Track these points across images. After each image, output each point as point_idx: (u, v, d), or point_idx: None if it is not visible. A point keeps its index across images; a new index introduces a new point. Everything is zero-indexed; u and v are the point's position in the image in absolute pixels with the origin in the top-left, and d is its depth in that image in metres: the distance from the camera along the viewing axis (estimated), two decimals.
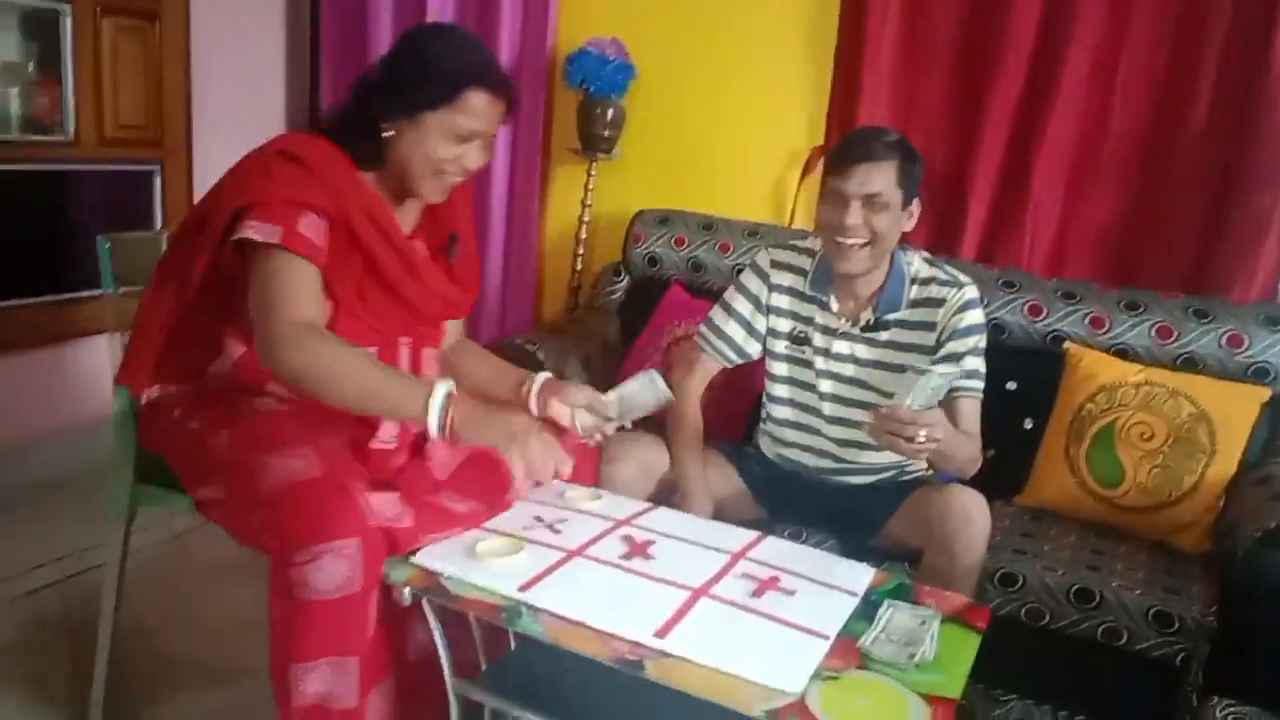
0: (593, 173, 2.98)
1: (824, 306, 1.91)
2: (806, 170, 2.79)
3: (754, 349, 2.00)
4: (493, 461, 1.50)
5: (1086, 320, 2.29)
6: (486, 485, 1.53)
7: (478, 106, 1.50)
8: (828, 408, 1.93)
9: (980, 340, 1.83)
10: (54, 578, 2.28)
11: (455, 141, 1.51)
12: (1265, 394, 2.10)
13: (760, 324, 1.98)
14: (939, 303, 1.83)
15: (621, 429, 1.72)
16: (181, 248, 1.54)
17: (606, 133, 2.90)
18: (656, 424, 1.96)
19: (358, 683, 1.35)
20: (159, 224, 2.96)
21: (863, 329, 1.89)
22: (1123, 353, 2.24)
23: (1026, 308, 2.33)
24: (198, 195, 3.01)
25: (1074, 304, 2.31)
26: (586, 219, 3.01)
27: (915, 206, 1.82)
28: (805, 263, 1.95)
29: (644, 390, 1.68)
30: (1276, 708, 1.40)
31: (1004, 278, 2.39)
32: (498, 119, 1.54)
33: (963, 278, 1.86)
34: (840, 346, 1.91)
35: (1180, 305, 2.24)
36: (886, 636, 1.31)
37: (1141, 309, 2.26)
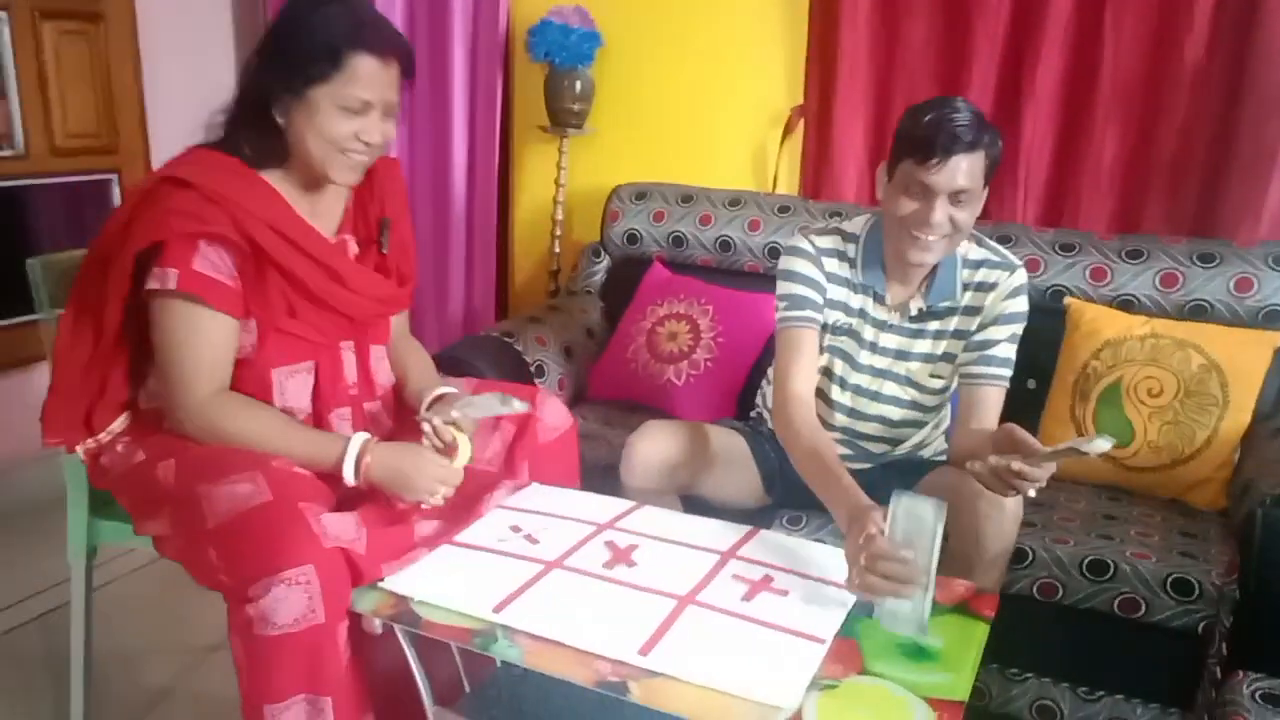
0: (564, 150, 2.87)
1: (878, 298, 1.76)
2: (786, 132, 2.68)
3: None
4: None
5: (1087, 272, 2.18)
6: (454, 503, 1.46)
7: (365, 72, 1.38)
8: (852, 399, 1.82)
9: (1019, 328, 1.70)
10: (36, 612, 2.22)
11: (349, 115, 1.40)
12: (1277, 339, 2.00)
13: (820, 301, 1.76)
14: (991, 287, 1.70)
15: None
16: (89, 296, 1.45)
17: (575, 106, 2.78)
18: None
19: None
20: None
21: (911, 319, 1.76)
22: (1127, 304, 2.14)
23: (1024, 262, 2.20)
24: None
25: (1073, 255, 2.21)
26: (561, 199, 2.90)
27: (986, 190, 1.64)
28: (850, 249, 1.76)
29: (491, 402, 1.54)
30: None
31: (998, 232, 2.28)
32: (393, 84, 1.43)
33: (1014, 259, 1.72)
34: (888, 340, 1.77)
35: (1185, 250, 2.13)
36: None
37: (1144, 256, 2.15)
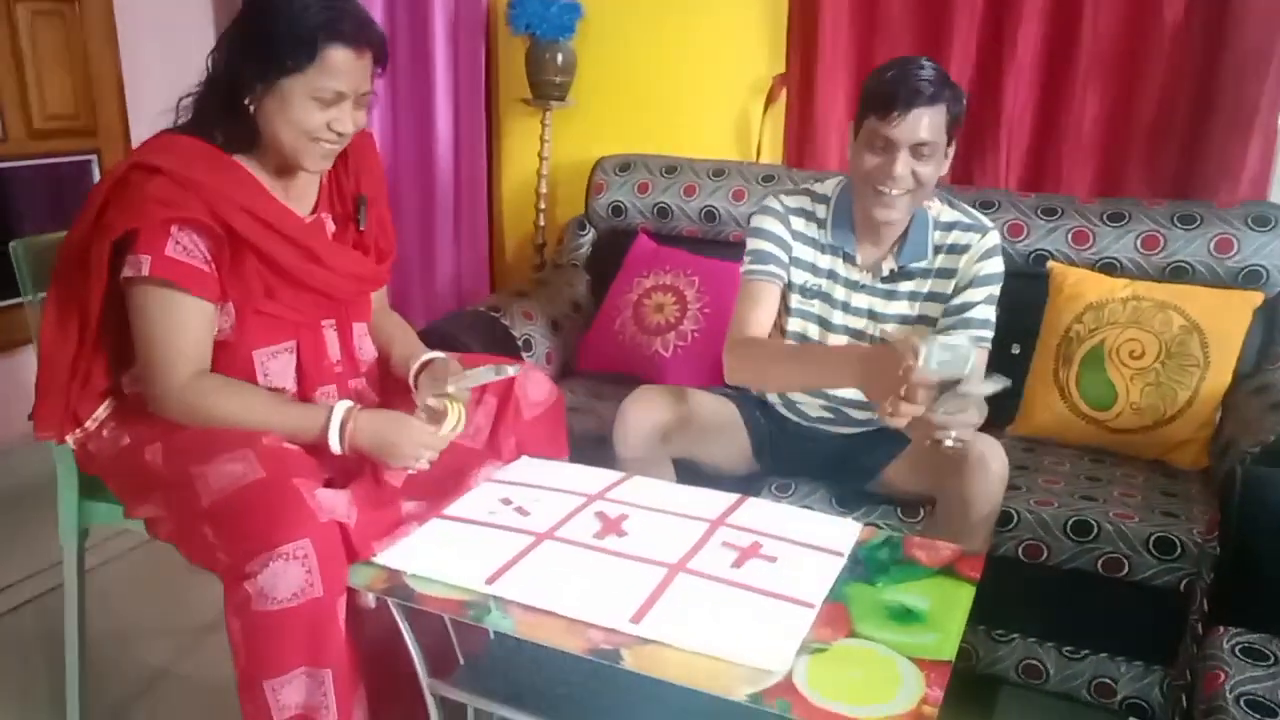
0: (547, 122, 2.85)
1: (848, 258, 1.79)
2: (769, 101, 2.67)
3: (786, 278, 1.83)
4: (449, 454, 1.48)
5: (1069, 236, 2.20)
6: (440, 479, 1.47)
7: (339, 64, 1.37)
8: None
9: (996, 289, 1.72)
10: (30, 594, 2.22)
11: (321, 105, 1.39)
12: (1258, 299, 2.02)
13: (784, 258, 1.80)
14: (963, 249, 1.72)
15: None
16: (71, 286, 1.45)
17: (557, 79, 2.77)
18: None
19: (335, 696, 1.29)
20: None
21: (884, 279, 1.78)
22: (1109, 268, 2.16)
23: (1006, 228, 2.24)
24: None
25: (1055, 220, 2.22)
26: (545, 172, 2.89)
27: (952, 148, 1.68)
28: (820, 210, 1.80)
29: (484, 371, 1.54)
30: None
31: (981, 198, 2.29)
32: (366, 74, 1.42)
33: (986, 221, 1.75)
34: (859, 300, 1.80)
35: (1165, 212, 2.15)
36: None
37: (1126, 219, 2.16)
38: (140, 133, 2.88)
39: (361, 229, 1.59)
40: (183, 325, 1.39)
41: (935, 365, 1.31)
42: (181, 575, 2.28)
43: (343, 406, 1.42)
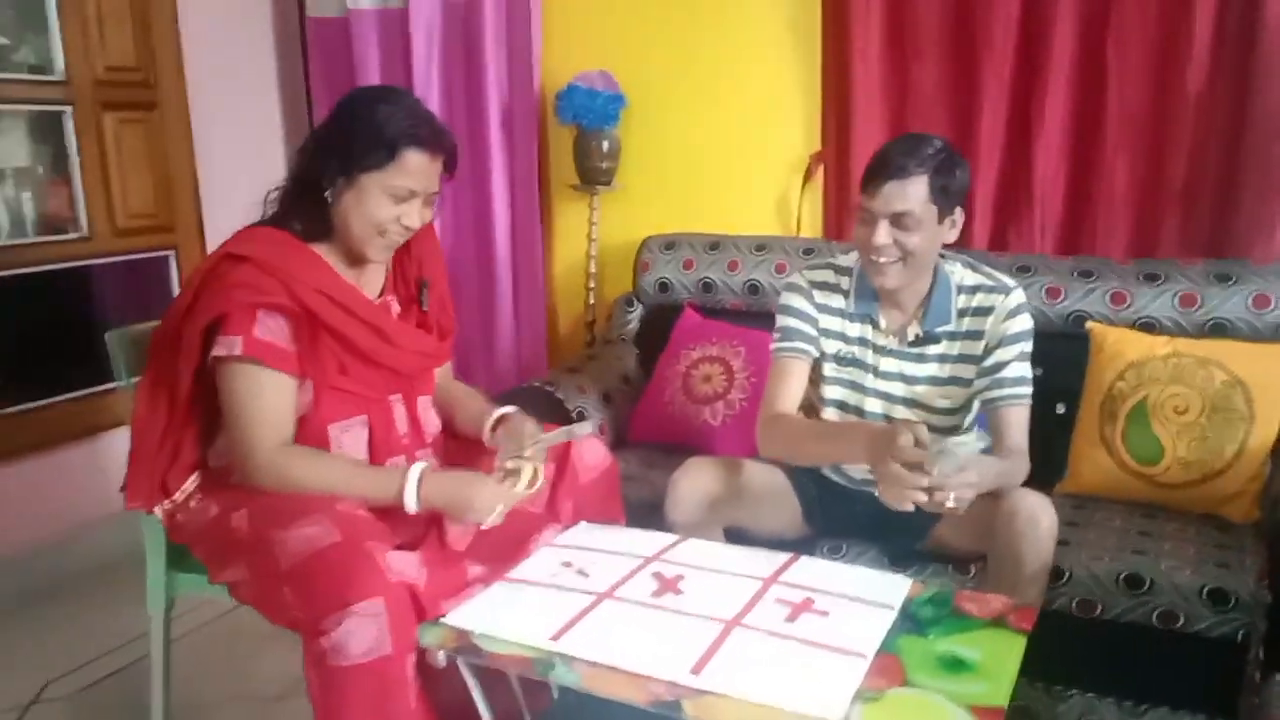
0: (595, 206, 2.99)
1: (873, 324, 1.86)
2: (808, 178, 2.78)
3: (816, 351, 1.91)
4: (511, 518, 1.56)
5: (1107, 297, 2.24)
6: (502, 543, 1.54)
7: (415, 166, 1.52)
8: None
9: (1027, 346, 1.78)
10: (112, 668, 2.31)
11: (394, 201, 1.53)
12: None
13: (813, 332, 1.88)
14: (988, 311, 1.78)
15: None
16: (162, 368, 1.58)
17: (604, 165, 2.91)
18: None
19: None
20: None
21: (911, 344, 1.84)
22: (1148, 326, 2.19)
23: (1044, 291, 2.29)
24: None
25: (1092, 282, 2.27)
26: (593, 253, 3.02)
27: (958, 215, 1.74)
28: (844, 282, 1.88)
29: (558, 434, 1.65)
30: None
31: (1018, 263, 2.35)
32: (436, 176, 1.57)
33: (1009, 281, 1.81)
34: (889, 365, 1.86)
35: (1201, 271, 2.19)
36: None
37: (1162, 279, 2.21)
38: (214, 228, 3.07)
39: (425, 309, 1.71)
40: (270, 400, 1.50)
41: (946, 470, 1.43)
42: (251, 649, 2.37)
43: (418, 467, 1.52)
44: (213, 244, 3.05)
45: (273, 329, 1.50)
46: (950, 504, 1.46)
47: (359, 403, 1.60)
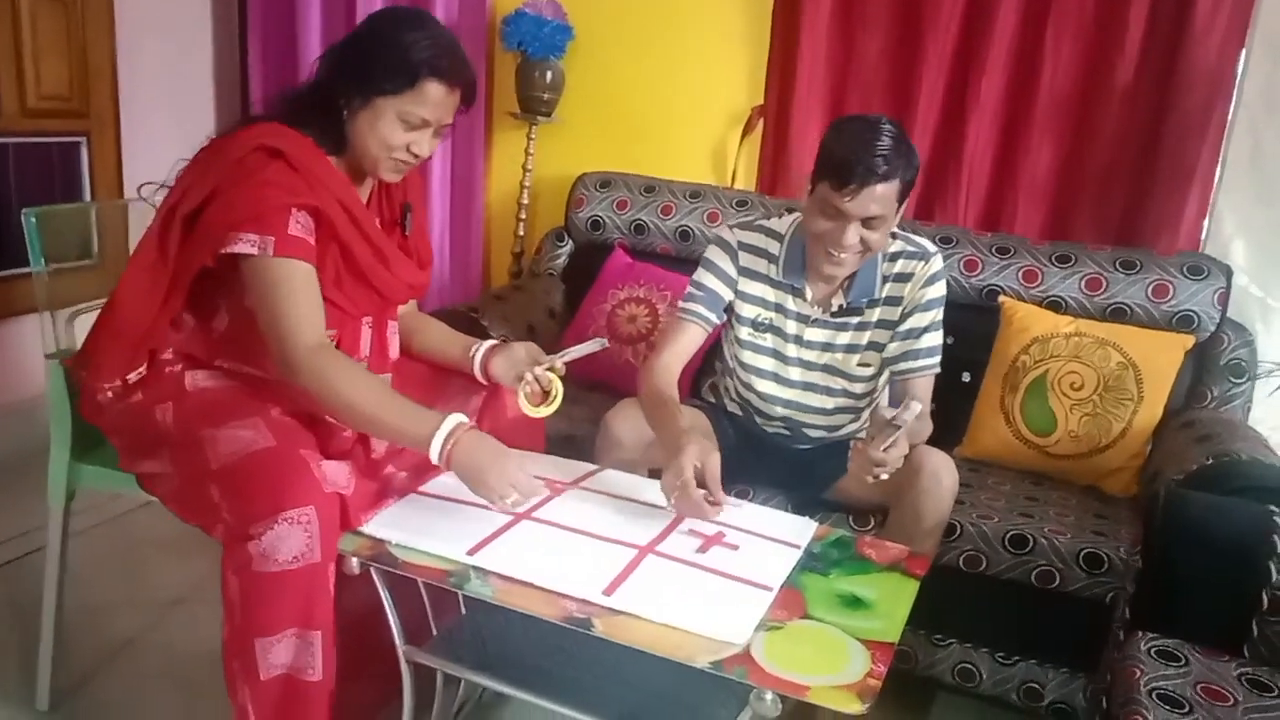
0: (532, 136, 2.96)
1: (798, 294, 1.87)
2: (746, 131, 2.81)
3: (719, 319, 1.92)
4: None
5: (1020, 274, 2.34)
6: (425, 461, 1.54)
7: (434, 96, 1.48)
8: (790, 392, 1.94)
9: (939, 313, 1.81)
10: (3, 558, 2.24)
11: (406, 128, 1.50)
12: (1189, 342, 2.18)
13: (726, 297, 1.89)
14: (908, 277, 1.81)
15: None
16: (166, 249, 1.48)
17: (545, 95, 2.88)
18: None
19: (322, 657, 1.36)
20: (87, 195, 2.89)
21: (834, 314, 1.86)
22: (1055, 305, 2.30)
23: (963, 263, 2.38)
24: (126, 165, 2.95)
25: (1008, 258, 2.37)
26: (528, 184, 3.00)
27: (904, 204, 1.71)
28: (774, 247, 1.86)
29: (586, 346, 1.72)
30: (1196, 638, 1.48)
31: (941, 233, 2.43)
32: (452, 109, 1.53)
33: (929, 246, 1.82)
34: (812, 334, 1.88)
35: (1109, 257, 2.30)
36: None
37: (1072, 261, 2.32)
38: (130, 119, 2.94)
39: (406, 235, 1.68)
40: (304, 294, 1.44)
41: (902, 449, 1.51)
42: (145, 554, 2.34)
43: (453, 420, 1.43)
44: (128, 133, 2.94)
45: (303, 224, 1.45)
46: (885, 477, 1.52)
47: (336, 317, 1.54)
